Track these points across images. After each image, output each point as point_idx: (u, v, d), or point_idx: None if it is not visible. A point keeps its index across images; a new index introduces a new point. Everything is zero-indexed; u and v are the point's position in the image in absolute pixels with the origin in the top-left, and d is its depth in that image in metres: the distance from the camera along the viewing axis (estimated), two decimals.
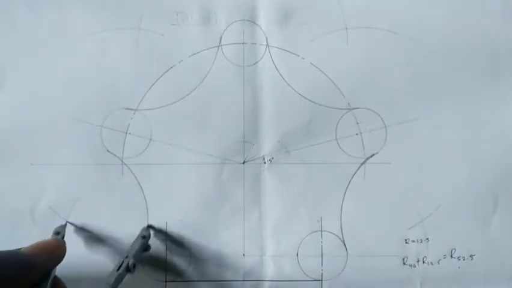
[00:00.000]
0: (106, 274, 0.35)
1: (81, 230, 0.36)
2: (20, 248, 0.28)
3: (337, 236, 0.36)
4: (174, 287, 0.36)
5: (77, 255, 0.36)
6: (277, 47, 0.36)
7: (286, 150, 0.36)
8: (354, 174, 0.36)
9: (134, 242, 0.34)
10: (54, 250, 0.29)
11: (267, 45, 0.36)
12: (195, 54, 0.36)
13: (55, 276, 0.29)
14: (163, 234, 0.36)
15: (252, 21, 0.37)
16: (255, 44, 0.36)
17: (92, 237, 0.36)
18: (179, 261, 0.36)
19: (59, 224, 0.35)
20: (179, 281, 0.36)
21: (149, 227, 0.36)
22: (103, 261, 0.36)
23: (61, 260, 0.29)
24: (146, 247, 0.35)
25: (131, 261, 0.32)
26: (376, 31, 0.36)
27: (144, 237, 0.34)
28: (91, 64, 0.36)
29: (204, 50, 0.36)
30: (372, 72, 0.36)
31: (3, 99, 0.36)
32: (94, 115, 0.36)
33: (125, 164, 0.36)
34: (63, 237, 0.33)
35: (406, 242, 0.36)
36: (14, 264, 0.26)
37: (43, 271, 0.28)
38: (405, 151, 0.36)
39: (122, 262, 0.32)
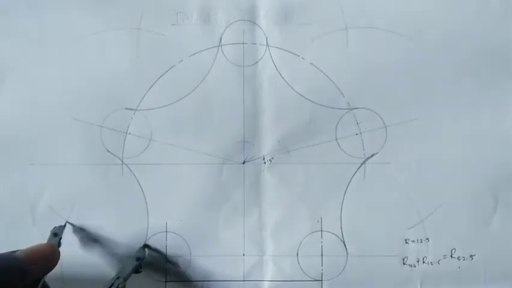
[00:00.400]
0: (105, 274, 0.35)
1: (80, 230, 0.36)
2: (16, 251, 0.28)
3: (337, 236, 0.36)
4: (174, 287, 0.36)
5: (76, 255, 0.36)
6: (277, 47, 0.36)
7: (286, 150, 0.36)
8: (354, 174, 0.36)
9: (127, 262, 0.34)
10: (49, 257, 0.29)
11: (267, 45, 0.36)
12: (194, 54, 0.36)
13: (44, 282, 0.29)
14: (163, 234, 0.36)
15: (252, 21, 0.37)
16: (255, 44, 0.36)
17: (92, 237, 0.36)
18: (179, 261, 0.36)
19: (59, 224, 0.35)
20: (179, 281, 0.36)
21: (146, 246, 0.36)
22: (101, 262, 0.36)
23: (54, 267, 0.29)
24: (138, 268, 0.34)
25: (121, 284, 0.31)
26: (376, 31, 0.36)
27: (139, 259, 0.34)
28: (91, 64, 0.36)
29: (204, 50, 0.36)
30: (372, 72, 0.36)
31: (3, 99, 0.36)
32: (94, 115, 0.36)
33: (125, 164, 0.36)
34: (60, 239, 0.33)
35: (406, 242, 0.36)
36: (9, 268, 0.26)
37: (35, 277, 0.28)
38: (405, 151, 0.36)
39: (112, 284, 0.31)
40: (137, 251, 0.35)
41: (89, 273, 0.36)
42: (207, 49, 0.36)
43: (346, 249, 0.36)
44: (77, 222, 0.36)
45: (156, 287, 0.36)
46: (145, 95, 0.36)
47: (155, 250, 0.36)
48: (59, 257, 0.30)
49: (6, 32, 0.36)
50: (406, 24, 0.36)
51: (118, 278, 0.32)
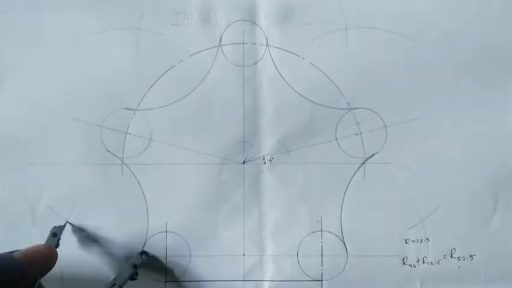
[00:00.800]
0: (105, 275, 0.35)
1: (80, 230, 0.36)
2: (14, 251, 0.28)
3: (337, 236, 0.36)
4: (174, 287, 0.36)
5: (76, 255, 0.36)
6: (277, 47, 0.36)
7: (286, 150, 0.36)
8: (354, 174, 0.36)
9: (124, 268, 0.34)
10: (46, 259, 0.29)
11: (267, 45, 0.36)
12: (194, 54, 0.36)
13: (40, 283, 0.29)
14: (163, 234, 0.36)
15: (252, 21, 0.37)
16: (255, 44, 0.36)
17: (92, 237, 0.36)
18: (179, 261, 0.36)
19: (58, 224, 0.35)
20: (179, 281, 0.36)
21: (143, 252, 0.36)
22: (101, 262, 0.36)
23: (51, 268, 0.29)
24: (134, 275, 0.34)
25: None
26: (376, 31, 0.36)
27: (135, 266, 0.34)
28: (91, 64, 0.36)
29: (204, 50, 0.36)
30: (372, 72, 0.36)
31: (3, 99, 0.36)
32: (94, 115, 0.36)
33: (125, 164, 0.36)
34: (59, 240, 0.33)
35: (406, 242, 0.36)
36: (9, 268, 0.26)
37: (32, 279, 0.28)
38: (405, 151, 0.36)
39: None
40: (134, 257, 0.35)
41: (89, 273, 0.36)
42: (207, 49, 0.36)
43: (346, 249, 0.36)
44: (77, 222, 0.36)
45: (156, 287, 0.36)
46: (145, 95, 0.36)
47: (153, 256, 0.36)
48: (56, 258, 0.30)
49: (6, 32, 0.37)
50: (406, 24, 0.36)
51: (114, 284, 0.32)
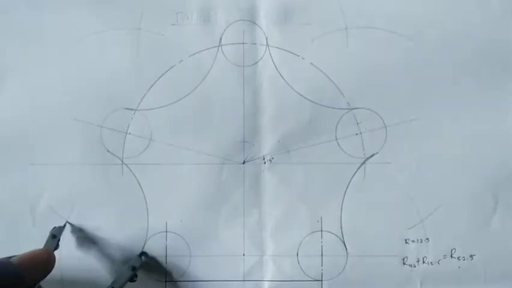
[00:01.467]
0: (105, 277, 0.35)
1: (80, 230, 0.36)
2: (12, 257, 0.28)
3: (337, 236, 0.36)
4: (174, 287, 0.36)
5: (76, 257, 0.36)
6: (277, 47, 0.36)
7: (286, 150, 0.36)
8: (354, 174, 0.36)
9: (123, 270, 0.34)
10: (44, 264, 0.29)
11: (267, 45, 0.36)
12: (194, 54, 0.36)
13: (39, 286, 0.29)
14: (163, 234, 0.36)
15: (252, 21, 0.37)
16: (255, 44, 0.36)
17: (92, 238, 0.36)
18: (179, 261, 0.36)
19: (58, 225, 0.35)
20: (179, 281, 0.36)
21: (142, 254, 0.35)
22: (101, 263, 0.36)
23: (49, 272, 0.29)
24: (133, 277, 0.34)
25: None
26: (376, 31, 0.36)
27: (134, 268, 0.34)
28: (91, 64, 0.36)
29: (204, 50, 0.36)
30: (372, 72, 0.36)
31: (3, 99, 0.36)
32: (94, 115, 0.36)
33: (125, 164, 0.36)
34: (59, 241, 0.33)
35: (406, 242, 0.36)
36: (7, 274, 0.26)
37: (30, 284, 0.28)
38: (405, 151, 0.36)
39: None
40: (133, 260, 0.35)
41: (89, 275, 0.36)
42: (207, 49, 0.36)
43: (346, 249, 0.36)
44: (76, 223, 0.36)
45: (156, 287, 0.36)
46: (145, 95, 0.36)
47: (152, 258, 0.36)
48: (54, 262, 0.30)
49: (6, 32, 0.37)
50: (406, 24, 0.36)
51: (112, 287, 0.32)
